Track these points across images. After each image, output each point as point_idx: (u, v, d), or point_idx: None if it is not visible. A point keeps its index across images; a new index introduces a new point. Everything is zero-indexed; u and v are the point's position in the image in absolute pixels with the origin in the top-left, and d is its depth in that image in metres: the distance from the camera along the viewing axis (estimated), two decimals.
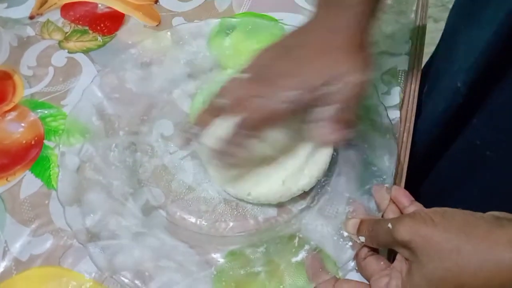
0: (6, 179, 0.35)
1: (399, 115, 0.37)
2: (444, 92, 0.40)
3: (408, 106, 0.39)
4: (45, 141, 0.37)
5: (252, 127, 0.30)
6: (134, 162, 0.36)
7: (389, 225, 0.27)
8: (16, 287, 0.31)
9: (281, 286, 0.30)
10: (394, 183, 0.35)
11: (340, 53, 0.29)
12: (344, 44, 0.30)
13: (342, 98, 0.29)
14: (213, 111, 0.32)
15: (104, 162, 0.35)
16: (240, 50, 0.41)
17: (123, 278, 0.29)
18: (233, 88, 0.31)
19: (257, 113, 0.30)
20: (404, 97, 0.39)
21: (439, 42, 0.47)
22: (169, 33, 0.41)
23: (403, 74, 0.40)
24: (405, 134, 0.38)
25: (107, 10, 0.46)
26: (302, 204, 0.34)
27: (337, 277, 0.29)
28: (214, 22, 0.42)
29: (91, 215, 0.32)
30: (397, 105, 0.38)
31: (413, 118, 0.39)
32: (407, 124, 0.38)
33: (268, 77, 0.30)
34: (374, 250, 0.30)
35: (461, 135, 0.40)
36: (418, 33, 0.44)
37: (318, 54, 0.30)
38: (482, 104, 0.37)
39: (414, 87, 0.40)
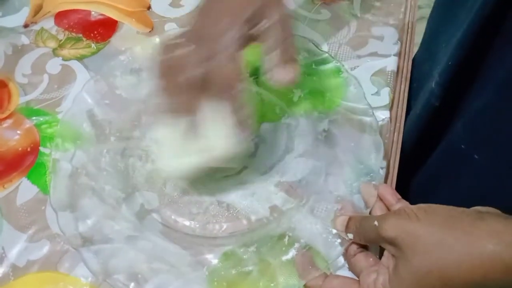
0: (3, 186, 0.36)
1: (389, 115, 0.38)
2: (422, 94, 0.41)
3: (398, 106, 0.40)
4: (41, 148, 0.38)
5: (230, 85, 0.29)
6: (126, 167, 0.36)
7: (375, 222, 0.28)
8: None
9: (272, 284, 0.30)
10: (385, 182, 0.35)
11: None
12: None
13: (276, 32, 0.29)
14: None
15: (96, 168, 0.35)
16: None
17: (116, 282, 0.30)
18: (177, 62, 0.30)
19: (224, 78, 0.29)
20: (393, 97, 0.40)
21: (420, 44, 0.48)
22: (158, 39, 0.42)
23: (392, 75, 0.40)
24: (395, 134, 0.38)
25: (100, 17, 0.47)
26: (292, 203, 0.34)
27: (327, 273, 0.30)
28: None
29: (84, 220, 0.32)
30: (386, 105, 0.38)
31: (403, 118, 0.39)
32: (397, 124, 0.39)
33: (202, 32, 0.30)
34: (363, 247, 0.30)
35: (445, 138, 0.40)
36: (407, 34, 0.45)
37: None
38: (461, 106, 0.38)
39: (403, 87, 0.41)
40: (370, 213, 0.32)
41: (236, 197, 0.35)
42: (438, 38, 0.42)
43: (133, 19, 0.46)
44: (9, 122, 0.40)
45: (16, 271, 0.32)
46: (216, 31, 0.29)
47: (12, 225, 0.34)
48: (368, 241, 0.30)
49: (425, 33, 0.47)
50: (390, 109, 0.39)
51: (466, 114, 0.37)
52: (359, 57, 0.42)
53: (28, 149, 0.38)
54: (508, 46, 0.32)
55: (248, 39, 0.30)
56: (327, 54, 0.40)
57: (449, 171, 0.41)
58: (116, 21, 0.46)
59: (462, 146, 0.38)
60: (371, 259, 0.30)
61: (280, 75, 0.30)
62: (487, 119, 0.35)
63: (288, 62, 0.30)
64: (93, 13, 0.47)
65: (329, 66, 0.39)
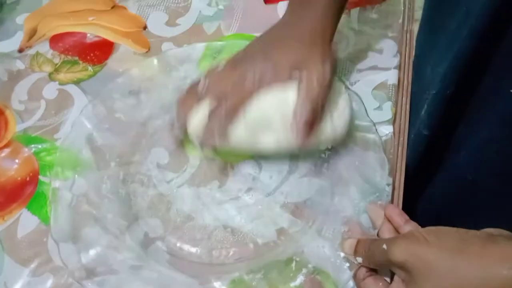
0: (3, 218, 0.35)
1: (392, 130, 0.38)
2: (413, 120, 0.41)
3: (400, 120, 0.39)
4: (41, 177, 0.37)
5: (229, 109, 0.32)
6: (127, 194, 0.36)
7: (384, 246, 0.27)
8: None
9: None
10: (392, 197, 0.35)
11: (304, 42, 0.33)
12: (305, 37, 0.33)
13: (308, 86, 0.31)
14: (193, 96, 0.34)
15: (96, 195, 0.35)
16: None
17: None
18: (212, 78, 0.34)
19: (233, 96, 0.32)
20: (396, 111, 0.39)
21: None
22: (155, 60, 0.41)
23: (393, 88, 0.40)
24: (400, 148, 0.38)
25: (96, 39, 0.46)
26: (299, 225, 0.34)
27: None
28: (200, 46, 0.42)
29: (87, 251, 0.32)
30: (389, 120, 0.38)
31: (406, 132, 0.39)
32: (401, 138, 0.38)
33: (242, 62, 0.33)
34: (373, 271, 0.30)
35: (447, 169, 0.40)
36: (406, 45, 0.44)
37: (285, 41, 0.34)
38: (458, 137, 0.37)
39: (405, 100, 0.41)
40: (378, 234, 0.31)
41: (240, 221, 0.35)
42: (424, 62, 0.42)
43: (130, 40, 0.46)
44: (6, 151, 0.39)
45: None
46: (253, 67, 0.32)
47: (13, 259, 0.33)
48: (377, 265, 0.29)
49: (414, 59, 0.47)
50: (393, 123, 0.38)
51: (468, 146, 0.37)
52: (359, 71, 0.42)
53: (27, 179, 0.37)
54: (505, 75, 0.32)
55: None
56: None
57: (457, 201, 0.41)
58: (113, 43, 0.46)
59: (469, 178, 0.38)
60: (380, 284, 0.29)
61: (291, 133, 0.31)
62: (493, 150, 0.35)
63: (298, 125, 0.31)
64: (88, 35, 0.46)
65: None
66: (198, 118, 0.33)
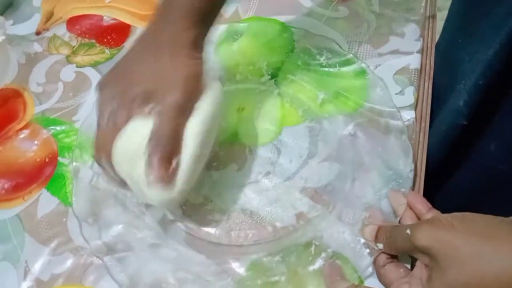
0: (23, 198, 0.35)
1: (414, 115, 0.37)
2: (447, 110, 0.40)
3: (422, 105, 0.38)
4: (59, 158, 0.37)
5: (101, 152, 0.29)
6: None
7: (408, 231, 0.27)
8: None
9: None
10: (413, 184, 0.34)
11: (159, 61, 0.30)
12: (163, 51, 0.30)
13: (159, 120, 0.28)
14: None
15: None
16: (248, 55, 0.41)
17: None
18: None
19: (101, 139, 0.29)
20: (418, 96, 0.38)
21: (436, 50, 0.46)
22: None
23: (416, 73, 0.39)
24: (421, 134, 0.37)
25: (113, 22, 0.46)
26: (318, 210, 0.33)
27: (356, 285, 0.29)
28: (221, 28, 0.42)
29: (107, 228, 0.32)
30: (411, 105, 0.37)
31: (428, 118, 0.38)
32: (423, 124, 0.38)
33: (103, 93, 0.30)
34: (393, 257, 0.29)
35: (476, 159, 0.39)
36: (429, 29, 0.43)
37: (139, 66, 0.30)
38: (491, 127, 0.36)
39: (427, 85, 0.40)
40: (399, 222, 0.31)
41: (259, 204, 0.34)
42: (458, 50, 0.40)
43: (146, 23, 0.45)
44: (25, 132, 0.39)
45: (40, 285, 0.31)
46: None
47: (34, 238, 0.33)
48: (399, 251, 0.29)
49: (441, 41, 0.45)
50: (415, 109, 0.37)
51: (498, 136, 0.36)
52: (380, 55, 0.41)
53: (46, 160, 0.37)
54: None
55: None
56: (351, 55, 0.39)
57: (485, 190, 0.40)
58: (129, 25, 0.45)
59: (500, 167, 0.36)
60: (401, 270, 0.28)
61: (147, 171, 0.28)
62: None
63: (153, 164, 0.28)
64: (105, 17, 0.46)
65: (354, 67, 0.38)
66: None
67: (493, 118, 0.36)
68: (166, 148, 0.28)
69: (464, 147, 0.40)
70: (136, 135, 0.29)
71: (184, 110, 0.29)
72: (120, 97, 0.30)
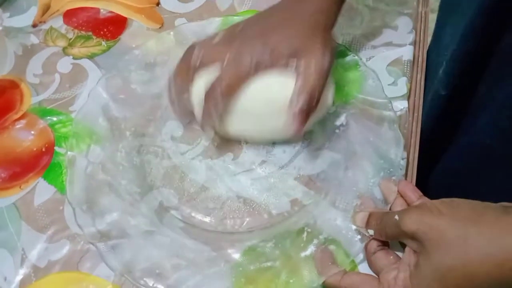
0: (20, 187, 0.36)
1: (407, 105, 0.37)
2: (430, 83, 0.40)
3: (415, 96, 0.39)
4: (56, 148, 0.38)
5: (225, 91, 0.31)
6: (141, 163, 0.36)
7: (396, 217, 0.27)
8: None
9: (291, 280, 0.30)
10: (406, 173, 0.35)
11: (305, 29, 0.32)
12: (306, 22, 0.32)
13: (306, 76, 0.31)
14: (189, 69, 0.33)
15: (111, 163, 0.35)
16: None
17: (136, 277, 0.29)
18: (207, 49, 0.33)
19: (228, 78, 0.31)
20: (410, 87, 0.39)
21: (432, 35, 0.47)
22: (172, 33, 0.41)
23: (408, 64, 0.40)
24: (414, 124, 0.38)
25: (110, 14, 0.46)
26: (312, 197, 0.34)
27: (346, 270, 0.30)
28: (217, 21, 0.42)
29: (102, 216, 0.32)
30: (404, 95, 0.38)
31: (421, 108, 0.39)
32: (415, 114, 0.38)
33: (239, 41, 0.32)
34: (384, 244, 0.30)
35: (467, 132, 0.39)
36: (421, 22, 0.44)
37: (285, 25, 0.32)
38: (476, 99, 0.37)
39: (420, 76, 0.40)
40: (390, 209, 0.31)
41: (254, 192, 0.35)
42: (445, 27, 0.41)
43: (143, 16, 0.46)
44: (22, 122, 0.39)
45: (37, 272, 0.32)
46: (247, 46, 0.31)
47: (31, 226, 0.34)
48: (389, 237, 0.29)
49: (435, 26, 0.46)
50: (408, 99, 0.38)
51: (487, 109, 0.36)
52: (374, 47, 0.41)
53: (43, 149, 0.38)
54: None
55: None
56: (343, 47, 0.39)
57: (474, 166, 0.40)
58: (126, 18, 0.46)
59: (487, 141, 0.37)
60: (391, 257, 0.29)
61: (288, 121, 0.31)
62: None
63: (299, 112, 0.30)
64: (102, 10, 0.46)
65: (346, 59, 0.38)
66: (195, 94, 0.33)
67: (476, 91, 0.36)
68: (315, 104, 0.31)
69: (448, 122, 0.40)
70: (273, 86, 0.31)
71: (327, 76, 0.32)
72: (262, 44, 0.31)
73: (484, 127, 0.37)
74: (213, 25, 0.42)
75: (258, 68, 0.31)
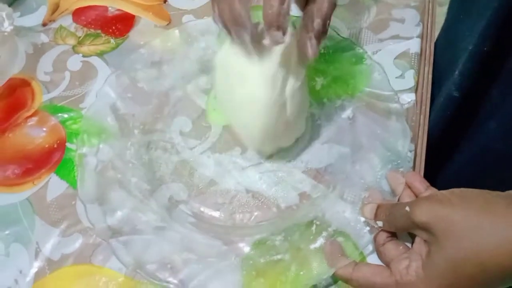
0: (33, 183, 0.36)
1: (414, 98, 0.37)
2: (445, 84, 0.40)
3: (423, 89, 0.39)
4: (68, 144, 0.38)
5: None
6: (150, 160, 0.37)
7: (407, 208, 0.27)
8: (51, 286, 0.32)
9: (301, 273, 0.30)
10: (414, 166, 0.35)
11: None
12: None
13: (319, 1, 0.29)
14: None
15: (121, 161, 0.36)
16: None
17: (147, 272, 0.30)
18: None
19: None
20: (418, 80, 0.39)
21: (440, 32, 0.47)
22: (177, 31, 0.42)
23: (416, 57, 0.40)
24: (422, 117, 0.38)
25: (118, 12, 0.47)
26: (321, 190, 0.34)
27: (356, 262, 0.30)
28: None
29: (112, 213, 0.33)
30: (412, 88, 0.38)
31: (428, 101, 0.39)
32: (423, 107, 0.38)
33: None
34: (393, 235, 0.30)
35: (479, 137, 0.39)
36: (429, 15, 0.44)
37: None
38: (489, 103, 0.36)
39: (427, 69, 0.40)
40: (398, 200, 0.31)
41: (262, 185, 0.35)
42: (458, 25, 0.41)
43: (150, 13, 0.46)
44: (34, 120, 0.40)
45: (51, 265, 0.32)
46: None
47: (44, 220, 0.34)
48: (398, 228, 0.29)
49: (446, 20, 0.46)
50: (415, 92, 0.38)
51: (500, 114, 0.36)
52: (381, 40, 0.41)
53: (55, 146, 0.38)
54: None
55: None
56: (349, 41, 0.39)
57: (482, 173, 0.40)
58: (133, 16, 0.46)
59: (498, 147, 0.37)
60: (401, 248, 0.29)
61: (305, 47, 0.29)
62: None
63: (315, 35, 0.29)
64: (110, 8, 0.47)
65: (352, 52, 0.39)
66: None
67: (490, 94, 0.36)
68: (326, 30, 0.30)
69: (461, 124, 0.40)
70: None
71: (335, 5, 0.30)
72: None
73: (496, 133, 0.37)
74: None
75: None
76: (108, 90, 0.38)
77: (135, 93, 0.39)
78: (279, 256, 0.31)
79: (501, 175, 0.39)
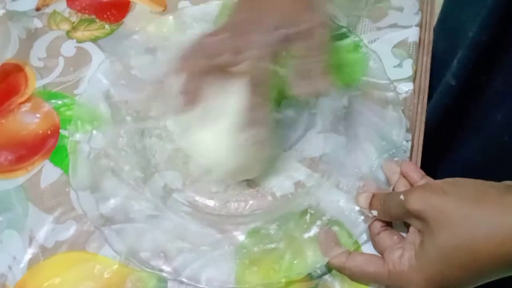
0: (26, 169, 0.36)
1: (412, 87, 0.37)
2: (440, 71, 0.40)
3: (421, 78, 0.39)
4: (61, 131, 0.38)
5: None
6: (144, 148, 0.36)
7: (401, 196, 0.27)
8: (45, 272, 0.31)
9: (295, 261, 0.30)
10: (411, 155, 0.35)
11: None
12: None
13: (306, 41, 0.29)
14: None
15: (113, 148, 0.35)
16: None
17: (140, 260, 0.30)
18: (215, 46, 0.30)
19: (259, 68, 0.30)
20: (416, 69, 0.39)
21: (438, 18, 0.46)
22: (171, 17, 0.41)
23: (414, 46, 0.39)
24: (419, 106, 0.37)
25: None
26: (316, 179, 0.34)
27: (350, 251, 0.30)
28: (216, 4, 0.42)
29: (105, 200, 0.33)
30: (410, 77, 0.38)
31: (426, 90, 0.38)
32: (421, 96, 0.38)
33: (243, 28, 0.31)
34: (388, 225, 0.30)
35: (484, 128, 0.39)
36: (427, 4, 0.43)
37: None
38: (491, 91, 0.36)
39: (426, 58, 0.40)
40: (393, 190, 0.31)
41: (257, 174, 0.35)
42: (458, 13, 0.40)
43: None
44: (28, 105, 0.39)
45: (45, 252, 0.32)
46: (255, 28, 0.30)
47: (38, 207, 0.34)
48: (393, 217, 0.29)
49: (443, 8, 0.45)
50: (413, 81, 0.38)
51: (504, 105, 0.36)
52: (379, 29, 0.41)
53: (49, 132, 0.38)
54: None
55: (283, 46, 0.30)
56: (345, 29, 0.39)
57: (493, 163, 0.40)
58: (129, 1, 0.45)
59: (505, 138, 0.37)
60: (395, 237, 0.29)
61: (299, 87, 0.29)
62: None
63: (310, 74, 0.29)
64: None
65: (348, 41, 0.38)
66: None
67: (491, 84, 0.36)
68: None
69: (461, 113, 0.40)
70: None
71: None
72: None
73: (504, 123, 0.37)
74: (212, 9, 0.41)
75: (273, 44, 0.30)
76: (101, 77, 0.38)
77: (129, 80, 0.39)
78: (273, 245, 0.31)
79: (509, 167, 0.39)
